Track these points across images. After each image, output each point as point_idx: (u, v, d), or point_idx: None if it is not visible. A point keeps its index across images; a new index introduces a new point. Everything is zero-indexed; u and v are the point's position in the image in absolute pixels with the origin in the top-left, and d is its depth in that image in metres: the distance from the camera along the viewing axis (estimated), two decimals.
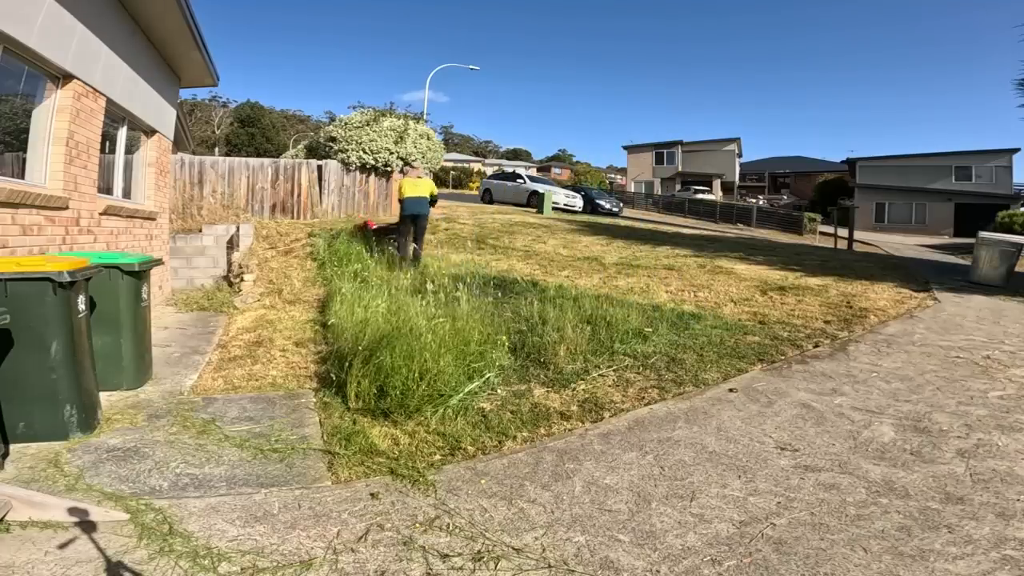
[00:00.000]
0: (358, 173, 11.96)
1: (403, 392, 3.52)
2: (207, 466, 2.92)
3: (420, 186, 8.27)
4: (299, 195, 11.38)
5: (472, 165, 64.38)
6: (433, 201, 8.36)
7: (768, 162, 53.62)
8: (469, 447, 3.19)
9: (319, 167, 11.57)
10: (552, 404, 3.75)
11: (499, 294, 6.12)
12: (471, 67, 29.09)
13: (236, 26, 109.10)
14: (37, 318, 2.98)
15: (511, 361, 4.33)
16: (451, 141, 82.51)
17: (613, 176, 66.54)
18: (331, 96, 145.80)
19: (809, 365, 4.55)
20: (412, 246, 8.23)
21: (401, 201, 8.22)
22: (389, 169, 12.18)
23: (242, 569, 2.09)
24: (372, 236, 8.97)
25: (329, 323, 5.34)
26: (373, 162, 11.88)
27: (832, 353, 4.88)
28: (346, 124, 12.07)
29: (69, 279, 3.03)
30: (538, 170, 58.10)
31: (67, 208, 4.51)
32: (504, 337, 4.39)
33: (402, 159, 12.20)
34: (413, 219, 8.17)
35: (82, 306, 3.26)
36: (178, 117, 8.78)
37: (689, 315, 5.76)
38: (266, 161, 11.43)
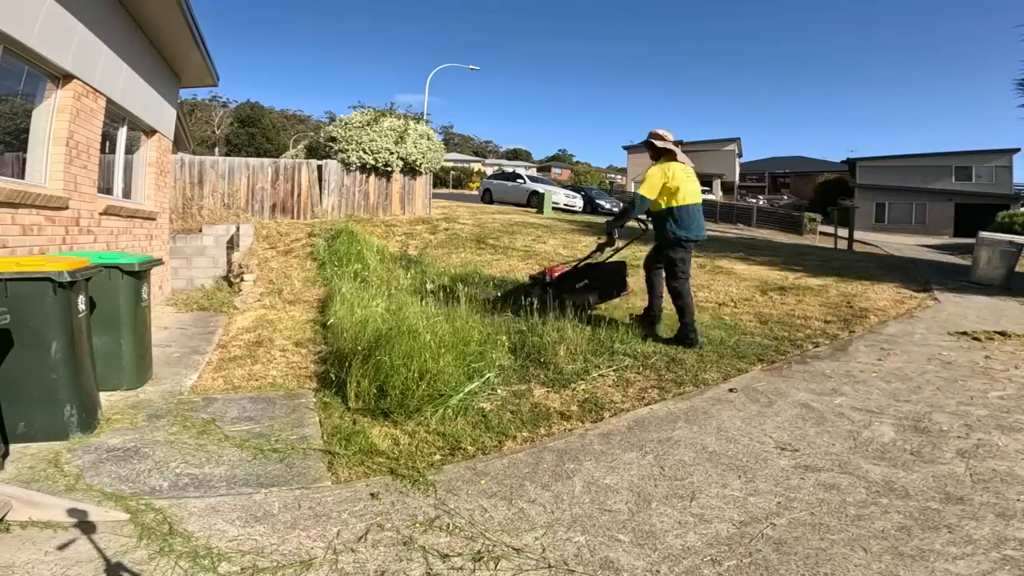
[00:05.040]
0: (358, 173, 11.96)
1: (403, 392, 3.52)
2: (207, 466, 2.92)
3: (695, 181, 4.76)
4: (299, 195, 11.37)
5: (472, 165, 64.38)
6: None
7: (768, 162, 53.63)
8: (469, 447, 3.19)
9: (319, 167, 11.57)
10: (552, 404, 3.75)
11: (499, 293, 6.12)
12: (471, 67, 29.11)
13: (236, 26, 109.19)
14: (37, 318, 2.98)
15: (511, 361, 4.33)
16: (451, 141, 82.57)
17: (613, 176, 66.55)
18: (331, 96, 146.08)
19: (809, 365, 4.55)
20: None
21: (678, 212, 4.58)
22: (389, 169, 12.18)
23: (242, 569, 2.09)
24: (552, 290, 5.40)
25: (329, 323, 5.34)
26: (373, 162, 11.88)
27: (832, 353, 4.88)
28: (346, 124, 12.07)
29: (69, 279, 3.03)
30: (538, 170, 58.09)
31: (67, 208, 4.50)
32: (504, 337, 4.39)
33: (402, 159, 12.19)
34: (689, 247, 4.72)
35: (82, 306, 3.26)
36: (178, 117, 8.78)
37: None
38: (266, 161, 11.42)
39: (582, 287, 5.11)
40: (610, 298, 5.28)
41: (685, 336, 4.64)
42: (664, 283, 4.80)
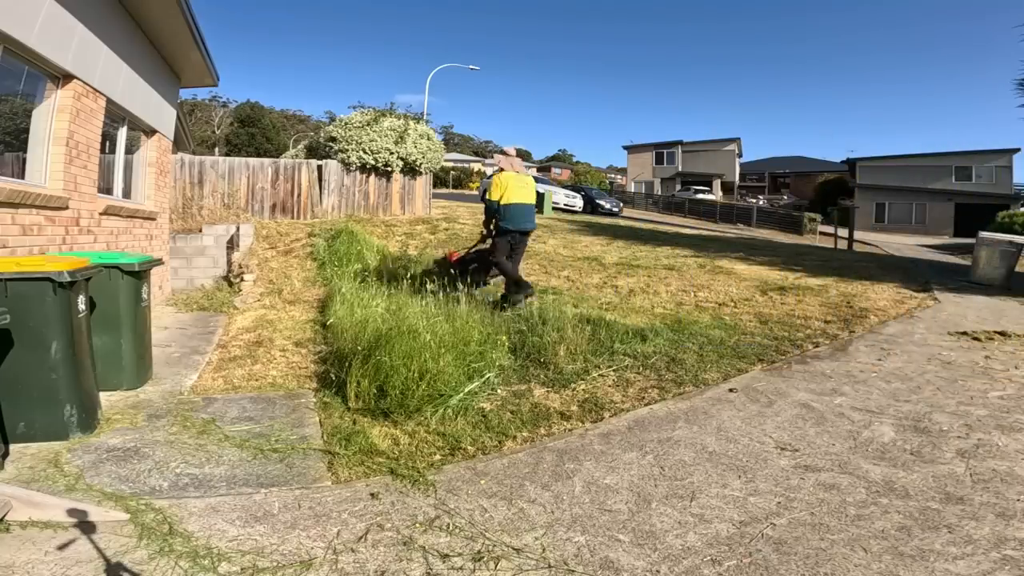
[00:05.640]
0: (358, 173, 11.95)
1: (403, 392, 3.52)
2: (207, 466, 2.92)
3: (529, 186, 6.04)
4: (299, 195, 11.37)
5: (472, 165, 64.38)
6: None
7: (768, 162, 53.60)
8: (469, 447, 3.19)
9: (319, 167, 11.57)
10: (552, 404, 3.75)
11: (499, 293, 6.13)
12: (471, 67, 29.06)
13: (236, 26, 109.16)
14: (37, 318, 2.98)
15: (511, 361, 4.33)
16: (451, 141, 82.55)
17: (613, 176, 66.59)
18: (331, 96, 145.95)
19: (809, 365, 4.55)
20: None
21: (503, 208, 5.76)
22: (389, 169, 12.17)
23: (242, 569, 2.09)
24: (454, 270, 6.69)
25: (329, 323, 5.34)
26: (373, 162, 11.88)
27: (832, 353, 4.88)
28: (346, 124, 12.06)
29: (69, 279, 3.03)
30: (538, 170, 58.12)
31: (67, 208, 4.50)
32: (504, 337, 4.39)
33: (402, 159, 12.18)
34: (522, 236, 6.04)
35: (82, 306, 3.26)
36: (178, 117, 8.78)
37: (688, 321, 5.76)
38: (266, 161, 11.42)
39: (474, 268, 6.42)
40: (488, 275, 6.57)
41: (504, 298, 5.77)
42: (508, 262, 5.93)
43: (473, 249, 6.79)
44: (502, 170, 6.06)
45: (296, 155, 14.35)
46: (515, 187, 5.75)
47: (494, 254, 5.95)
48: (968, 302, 7.37)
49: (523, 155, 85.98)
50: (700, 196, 37.68)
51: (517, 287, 5.83)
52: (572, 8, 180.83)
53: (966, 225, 27.58)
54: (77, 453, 2.96)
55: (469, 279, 5.78)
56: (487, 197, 5.96)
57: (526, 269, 8.40)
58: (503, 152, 6.36)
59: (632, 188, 45.55)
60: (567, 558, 2.20)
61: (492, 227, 6.05)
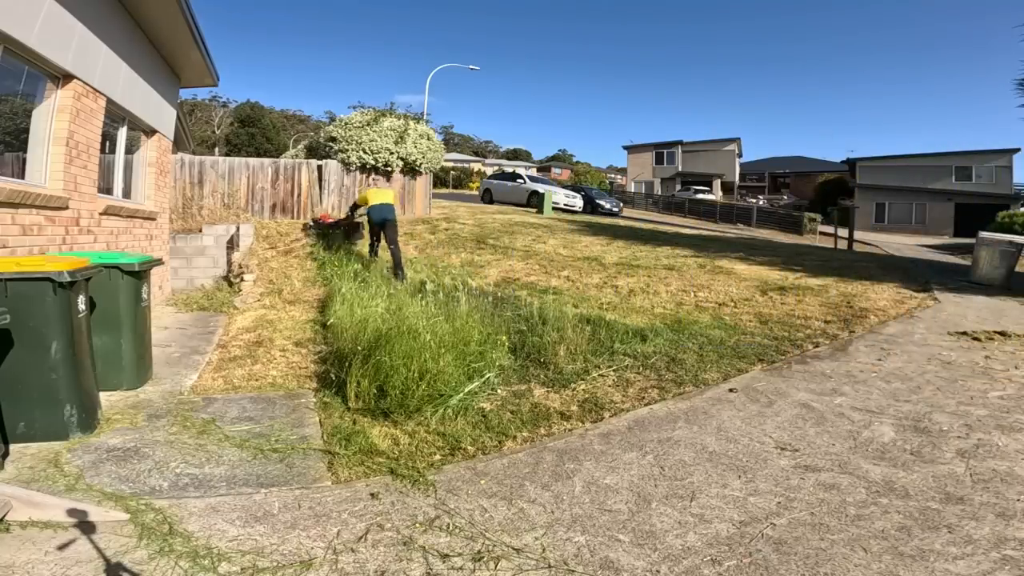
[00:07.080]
0: (358, 173, 11.94)
1: (403, 392, 3.53)
2: (207, 466, 2.92)
3: (386, 194, 8.51)
4: (299, 195, 11.37)
5: (472, 165, 64.41)
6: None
7: (768, 162, 53.59)
8: (469, 447, 3.19)
9: (319, 167, 11.56)
10: (552, 404, 3.76)
11: (499, 294, 6.13)
12: (471, 67, 28.99)
13: (236, 26, 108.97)
14: (37, 318, 2.98)
15: (511, 361, 4.33)
16: (451, 141, 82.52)
17: (613, 176, 66.59)
18: (331, 96, 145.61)
19: (809, 365, 4.55)
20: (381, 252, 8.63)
21: (369, 209, 8.31)
22: (389, 169, 12.17)
23: (242, 569, 2.09)
24: (322, 229, 9.45)
25: (329, 323, 5.34)
26: (373, 162, 11.87)
27: (832, 353, 4.88)
28: (346, 124, 12.05)
29: (69, 279, 3.03)
30: (538, 170, 58.16)
31: (67, 208, 4.51)
32: (504, 337, 4.39)
33: (402, 159, 12.19)
34: (383, 222, 8.29)
35: (82, 306, 3.26)
36: (178, 117, 8.78)
37: (687, 321, 5.75)
38: (266, 161, 11.41)
39: (339, 230, 9.28)
40: (349, 238, 9.32)
41: (371, 250, 8.67)
42: (376, 241, 8.57)
43: (342, 220, 9.71)
44: (370, 185, 10.49)
45: (296, 155, 14.33)
46: (373, 196, 8.31)
47: (371, 234, 8.58)
48: (968, 302, 7.37)
49: (523, 155, 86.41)
50: (700, 196, 37.67)
51: (373, 252, 8.66)
52: (572, 8, 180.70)
53: (966, 225, 27.58)
54: (77, 453, 2.96)
55: (337, 240, 8.74)
56: (355, 202, 9.17)
57: (526, 269, 8.45)
58: (373, 178, 11.41)
59: (632, 188, 45.54)
60: (567, 558, 2.20)
61: (355, 215, 9.22)
